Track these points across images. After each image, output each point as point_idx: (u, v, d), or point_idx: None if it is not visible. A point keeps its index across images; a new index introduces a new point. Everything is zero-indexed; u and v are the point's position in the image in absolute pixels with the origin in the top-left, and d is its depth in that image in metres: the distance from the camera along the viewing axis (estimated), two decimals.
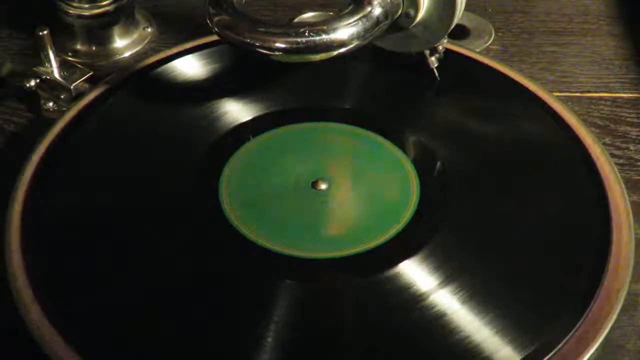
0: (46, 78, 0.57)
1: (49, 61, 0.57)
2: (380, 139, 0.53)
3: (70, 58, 0.62)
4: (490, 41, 0.66)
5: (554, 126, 0.54)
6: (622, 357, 0.44)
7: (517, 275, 0.45)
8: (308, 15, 0.67)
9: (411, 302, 0.43)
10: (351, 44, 0.49)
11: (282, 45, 0.48)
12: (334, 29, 0.48)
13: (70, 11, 0.62)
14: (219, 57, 0.59)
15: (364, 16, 0.49)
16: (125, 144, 0.53)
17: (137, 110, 0.56)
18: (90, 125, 0.53)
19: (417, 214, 0.48)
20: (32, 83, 0.57)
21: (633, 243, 0.46)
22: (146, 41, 0.66)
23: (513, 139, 0.54)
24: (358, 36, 0.49)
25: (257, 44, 0.48)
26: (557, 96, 0.56)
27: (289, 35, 0.48)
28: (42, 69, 0.57)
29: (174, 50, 0.59)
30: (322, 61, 0.49)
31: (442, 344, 0.41)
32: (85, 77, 0.57)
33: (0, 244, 0.45)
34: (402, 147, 0.53)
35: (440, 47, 0.56)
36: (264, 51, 0.48)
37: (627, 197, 0.48)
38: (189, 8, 0.69)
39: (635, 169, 0.55)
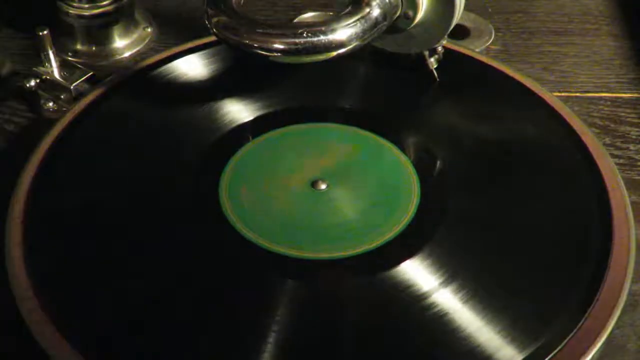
0: (46, 78, 0.57)
1: (49, 61, 0.57)
2: (380, 140, 0.53)
3: (70, 58, 0.62)
4: (490, 41, 0.66)
5: (554, 126, 0.54)
6: (622, 357, 0.44)
7: (518, 275, 0.45)
8: (308, 16, 0.68)
9: (412, 301, 0.43)
10: (350, 44, 0.49)
11: (281, 47, 0.48)
12: (333, 30, 0.48)
13: (70, 11, 0.62)
14: (219, 57, 0.59)
15: (362, 17, 0.49)
16: (125, 144, 0.53)
17: (137, 110, 0.56)
18: (90, 125, 0.53)
19: (418, 214, 0.48)
20: (32, 83, 0.57)
21: (633, 243, 0.46)
22: (146, 41, 0.66)
23: (513, 139, 0.54)
24: (357, 37, 0.49)
25: (255, 45, 0.48)
26: (557, 96, 0.56)
27: (288, 36, 0.48)
28: (42, 69, 0.57)
29: (174, 50, 0.59)
30: (321, 62, 0.49)
31: (443, 344, 0.41)
32: (85, 77, 0.57)
33: (1, 244, 0.45)
34: (402, 147, 0.53)
35: (440, 48, 0.56)
36: (263, 52, 0.48)
37: (627, 197, 0.48)
38: (189, 8, 0.69)
39: (635, 169, 0.55)
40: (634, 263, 0.45)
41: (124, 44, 0.65)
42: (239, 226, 0.47)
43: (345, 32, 0.48)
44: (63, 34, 0.63)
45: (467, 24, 0.66)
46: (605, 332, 0.42)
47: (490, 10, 0.70)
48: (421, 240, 0.46)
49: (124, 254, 0.46)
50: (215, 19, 0.49)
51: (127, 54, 0.64)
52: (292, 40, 0.48)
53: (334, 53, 0.49)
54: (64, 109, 0.56)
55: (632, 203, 0.49)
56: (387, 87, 0.58)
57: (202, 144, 0.53)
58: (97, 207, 0.48)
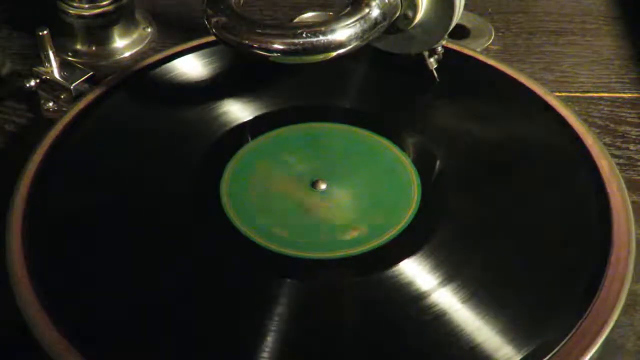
0: (46, 78, 0.57)
1: (49, 61, 0.57)
2: (380, 139, 0.53)
3: (70, 58, 0.62)
4: (490, 41, 0.66)
5: (554, 126, 0.54)
6: (622, 357, 0.44)
7: (518, 274, 0.45)
8: (308, 16, 0.68)
9: (412, 301, 0.43)
10: (349, 45, 0.49)
11: (280, 47, 0.48)
12: (332, 30, 0.48)
13: (70, 11, 0.62)
14: (219, 57, 0.59)
15: (362, 17, 0.49)
16: (125, 144, 0.53)
17: (137, 110, 0.56)
18: (90, 125, 0.53)
19: (418, 213, 0.48)
20: (32, 83, 0.57)
21: (633, 243, 0.46)
22: (146, 41, 0.66)
23: (513, 138, 0.54)
24: (356, 37, 0.49)
25: (254, 45, 0.48)
26: (557, 96, 0.56)
27: (287, 37, 0.48)
28: (42, 69, 0.57)
29: (174, 50, 0.59)
30: (321, 62, 0.49)
31: (443, 343, 0.41)
32: (85, 77, 0.57)
33: (1, 244, 0.45)
34: (402, 147, 0.53)
35: (439, 49, 0.56)
36: (262, 52, 0.48)
37: (627, 197, 0.48)
38: (189, 8, 0.69)
39: (635, 169, 0.55)
40: (634, 263, 0.45)
41: (124, 44, 0.65)
42: (239, 226, 0.47)
43: (344, 33, 0.48)
44: (63, 34, 0.63)
45: (467, 24, 0.66)
46: (604, 332, 0.42)
47: (490, 10, 0.70)
48: (421, 240, 0.46)
49: (124, 253, 0.46)
50: (214, 19, 0.49)
51: (127, 54, 0.64)
52: (292, 40, 0.47)
53: (334, 53, 0.49)
54: (64, 109, 0.56)
55: (632, 203, 0.49)
56: (387, 87, 0.58)
57: (202, 144, 0.53)
58: (97, 207, 0.48)
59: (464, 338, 0.41)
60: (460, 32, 0.65)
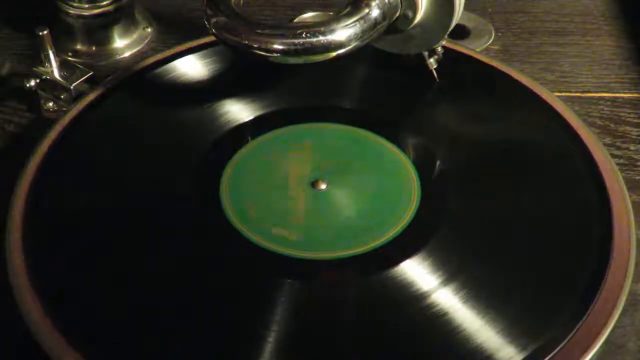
0: (46, 78, 0.57)
1: (49, 61, 0.57)
2: (380, 139, 0.53)
3: (70, 58, 0.62)
4: (490, 41, 0.66)
5: (554, 126, 0.54)
6: (623, 357, 0.44)
7: (518, 275, 0.45)
8: (308, 16, 0.67)
9: (412, 301, 0.43)
10: (349, 45, 0.49)
11: (280, 47, 0.48)
12: (332, 31, 0.48)
13: (70, 11, 0.62)
14: (219, 57, 0.59)
15: (361, 17, 0.49)
16: (126, 144, 0.53)
17: (137, 110, 0.56)
18: (90, 126, 0.53)
19: (418, 214, 0.48)
20: (32, 83, 0.57)
21: (633, 243, 0.46)
22: (146, 41, 0.66)
23: (513, 139, 0.54)
24: (356, 38, 0.49)
25: (254, 46, 0.48)
26: (557, 96, 0.56)
27: (287, 37, 0.48)
28: (42, 69, 0.57)
29: (174, 50, 0.59)
30: (321, 62, 0.49)
31: (443, 344, 0.41)
32: (85, 77, 0.57)
33: (1, 244, 0.45)
34: (402, 147, 0.53)
35: (439, 49, 0.56)
36: (262, 53, 0.48)
37: (627, 197, 0.48)
38: (189, 8, 0.69)
39: (635, 169, 0.55)
40: (634, 263, 0.45)
41: (124, 44, 0.65)
42: (239, 226, 0.47)
43: (344, 33, 0.48)
44: (63, 34, 0.63)
45: (467, 24, 0.66)
46: (605, 332, 0.42)
47: (490, 10, 0.70)
48: (421, 240, 0.46)
49: (124, 254, 0.46)
50: (214, 20, 0.49)
51: (127, 54, 0.64)
52: (291, 40, 0.47)
53: (334, 53, 0.49)
54: (64, 109, 0.56)
55: (633, 203, 0.49)
56: (387, 87, 0.58)
57: (202, 144, 0.53)
58: (97, 207, 0.48)
59: (464, 338, 0.41)
60: (460, 32, 0.65)
